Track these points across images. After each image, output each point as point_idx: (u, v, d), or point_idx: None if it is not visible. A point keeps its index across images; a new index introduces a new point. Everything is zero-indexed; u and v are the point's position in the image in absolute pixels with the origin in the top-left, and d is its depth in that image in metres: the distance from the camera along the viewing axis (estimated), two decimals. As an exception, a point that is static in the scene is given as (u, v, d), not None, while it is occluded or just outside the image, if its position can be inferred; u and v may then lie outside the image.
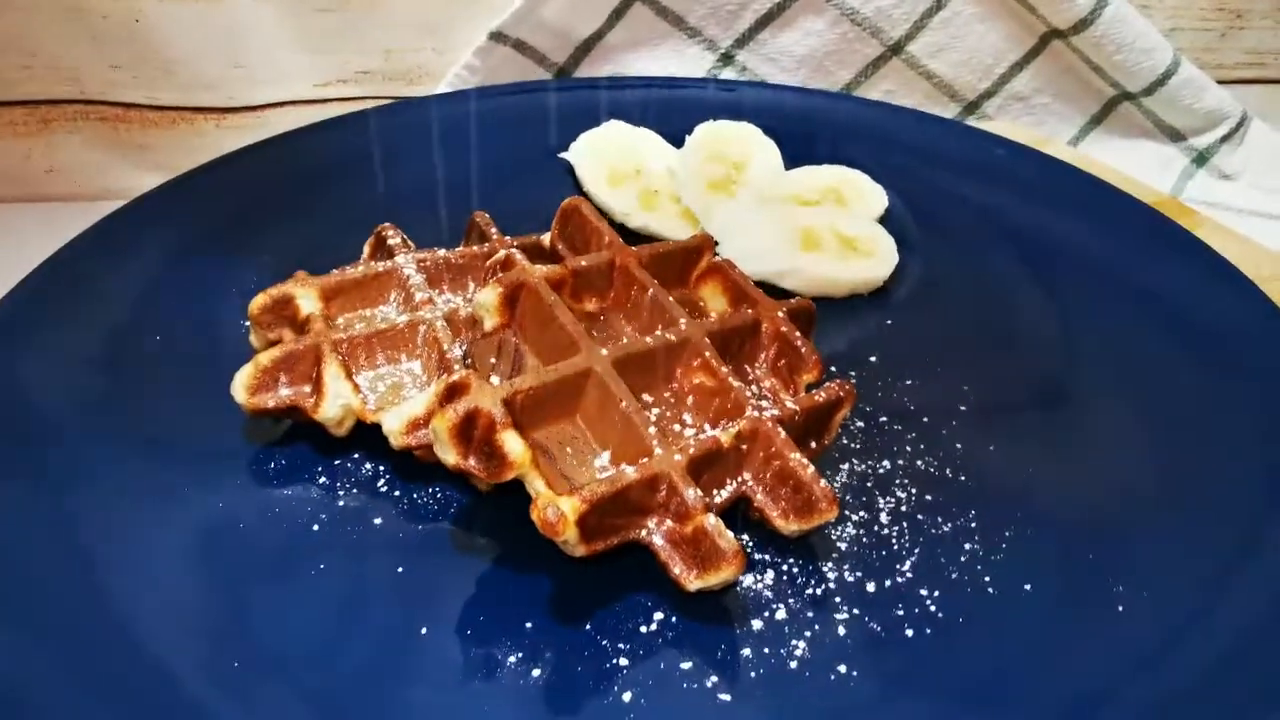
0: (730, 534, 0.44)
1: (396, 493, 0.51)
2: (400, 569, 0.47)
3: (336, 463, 0.53)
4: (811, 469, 0.47)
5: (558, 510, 0.42)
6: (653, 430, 0.46)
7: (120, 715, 0.40)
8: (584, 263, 0.52)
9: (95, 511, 0.49)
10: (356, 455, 0.53)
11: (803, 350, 0.53)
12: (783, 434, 0.48)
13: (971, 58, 0.92)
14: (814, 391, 0.51)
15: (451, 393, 0.46)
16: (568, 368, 0.47)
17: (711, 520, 0.44)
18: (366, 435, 0.53)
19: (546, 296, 0.50)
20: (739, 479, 0.48)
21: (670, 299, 0.53)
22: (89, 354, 0.58)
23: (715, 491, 0.48)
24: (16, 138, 0.89)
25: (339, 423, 0.53)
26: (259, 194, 0.72)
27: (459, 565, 0.48)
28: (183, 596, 0.45)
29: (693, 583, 0.44)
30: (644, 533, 0.45)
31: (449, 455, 0.45)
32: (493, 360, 0.49)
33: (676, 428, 0.49)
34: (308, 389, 0.53)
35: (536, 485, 0.44)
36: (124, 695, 0.41)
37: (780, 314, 0.54)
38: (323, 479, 0.52)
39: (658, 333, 0.51)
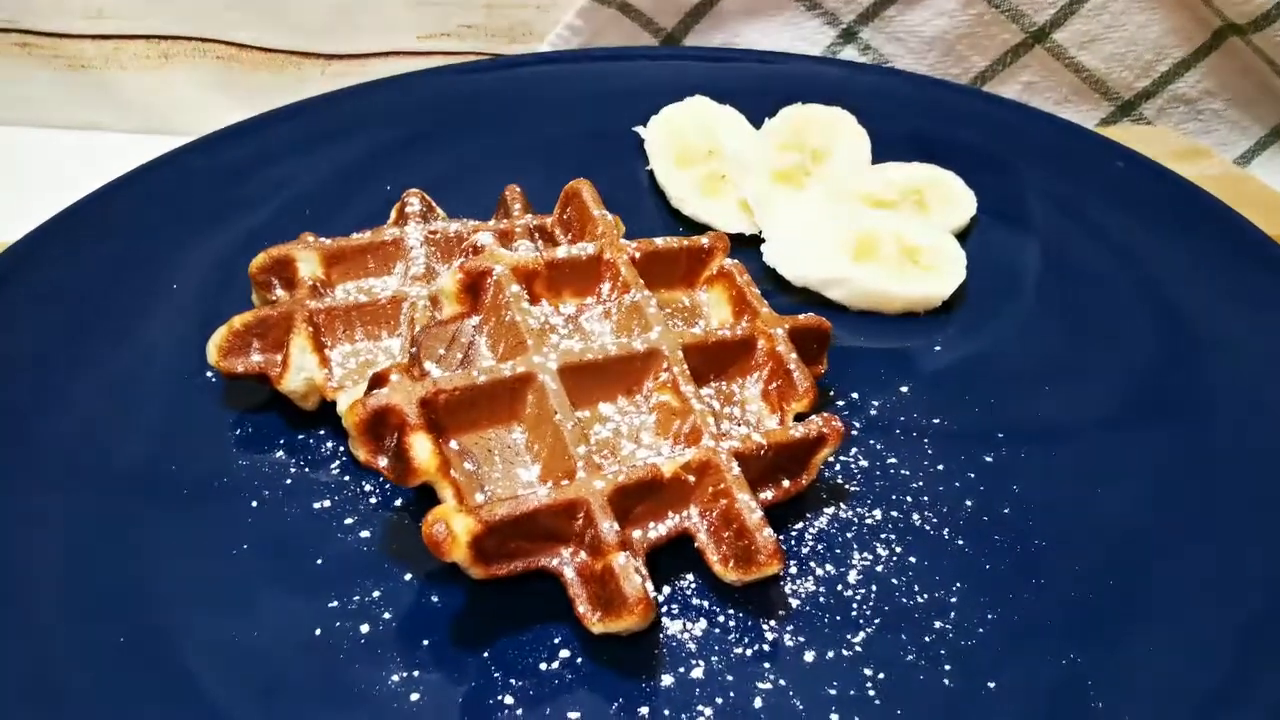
0: (638, 579, 0.39)
1: (346, 478, 0.49)
2: (319, 560, 0.45)
3: (299, 438, 0.51)
4: (758, 515, 0.42)
5: (446, 529, 0.39)
6: (583, 450, 0.42)
7: None
8: (562, 254, 0.48)
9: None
10: (322, 432, 0.51)
11: (795, 375, 0.47)
12: (735, 470, 0.43)
13: (1128, 51, 0.81)
14: (791, 425, 0.45)
15: (373, 384, 0.43)
16: (505, 370, 0.43)
17: (621, 560, 0.39)
18: (336, 413, 0.51)
19: (507, 288, 0.46)
20: (683, 514, 0.43)
21: (654, 303, 0.48)
22: (101, 285, 0.58)
23: (653, 524, 0.43)
24: (141, 70, 0.91)
25: (304, 396, 0.51)
26: (329, 143, 0.71)
27: (377, 565, 0.45)
28: (86, 558, 0.45)
29: (596, 625, 0.40)
30: (556, 561, 0.41)
31: (359, 452, 0.42)
32: (441, 350, 0.46)
33: (630, 447, 0.45)
34: (278, 357, 0.51)
35: (444, 495, 0.41)
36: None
37: (779, 331, 0.48)
38: (280, 454, 0.50)
39: (622, 340, 0.46)
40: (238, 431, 0.51)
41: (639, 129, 0.72)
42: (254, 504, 0.48)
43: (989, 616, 0.43)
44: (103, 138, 0.92)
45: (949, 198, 0.65)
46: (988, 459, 0.50)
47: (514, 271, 0.47)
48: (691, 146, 0.69)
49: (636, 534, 0.42)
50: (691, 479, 0.43)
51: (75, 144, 0.91)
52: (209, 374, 0.53)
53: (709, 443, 0.43)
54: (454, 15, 0.86)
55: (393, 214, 0.60)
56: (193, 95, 0.91)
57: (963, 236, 0.64)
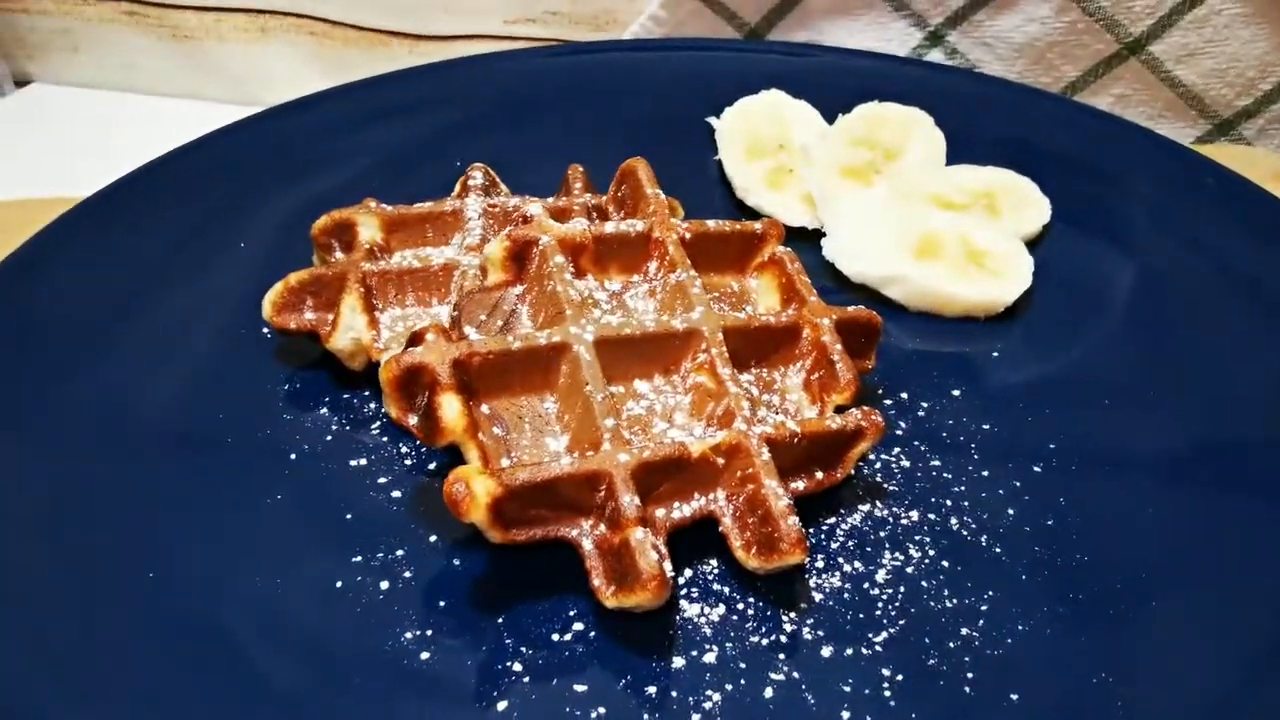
0: (655, 555, 0.39)
1: (385, 439, 0.49)
2: (349, 515, 0.46)
3: (344, 397, 0.52)
4: (785, 502, 0.41)
5: (466, 489, 0.39)
6: (611, 423, 0.42)
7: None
8: (610, 229, 0.48)
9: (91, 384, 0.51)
10: (367, 393, 0.52)
11: (838, 367, 0.46)
12: (765, 455, 0.42)
13: (1230, 67, 0.78)
14: (828, 416, 0.44)
15: (410, 343, 0.43)
16: (541, 339, 0.43)
17: (639, 535, 0.39)
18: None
19: (552, 258, 0.46)
20: (709, 496, 0.43)
21: (698, 284, 0.47)
22: (171, 241, 0.60)
23: (677, 505, 0.42)
24: (241, 43, 0.93)
25: (350, 355, 0.51)
26: (404, 116, 0.72)
27: (404, 525, 0.45)
28: (125, 494, 0.46)
29: (609, 599, 0.39)
30: (575, 532, 0.41)
31: (391, 409, 0.42)
32: (482, 316, 0.46)
33: (662, 426, 0.44)
34: (330, 316, 0.52)
35: (470, 457, 0.41)
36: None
37: (825, 321, 0.47)
38: (323, 410, 0.51)
39: (662, 318, 0.46)
40: (285, 387, 0.52)
41: (711, 119, 0.72)
42: (293, 456, 0.48)
43: (1020, 628, 0.41)
44: (202, 107, 0.94)
45: (1021, 203, 0.63)
46: (1035, 469, 0.48)
47: (560, 243, 0.46)
48: (762, 139, 0.69)
49: (659, 513, 0.42)
50: (720, 461, 0.42)
51: (175, 111, 0.94)
52: (264, 330, 0.54)
53: (740, 426, 0.43)
54: (540, 1, 0.87)
55: (457, 187, 0.61)
56: (288, 69, 0.93)
57: (1034, 245, 0.62)
